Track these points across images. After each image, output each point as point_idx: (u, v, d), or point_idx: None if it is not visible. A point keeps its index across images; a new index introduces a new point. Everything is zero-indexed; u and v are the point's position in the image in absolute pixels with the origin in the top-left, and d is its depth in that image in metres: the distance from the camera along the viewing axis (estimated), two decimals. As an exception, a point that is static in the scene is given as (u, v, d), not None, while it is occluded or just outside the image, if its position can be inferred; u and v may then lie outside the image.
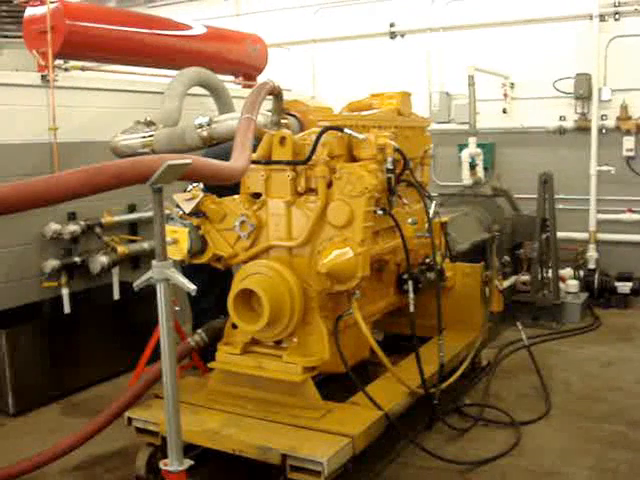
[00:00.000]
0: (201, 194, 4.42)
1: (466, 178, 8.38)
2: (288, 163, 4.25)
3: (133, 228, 6.82)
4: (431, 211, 4.84)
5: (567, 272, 7.97)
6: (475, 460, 4.42)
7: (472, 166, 8.39)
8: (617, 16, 8.18)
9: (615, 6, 8.17)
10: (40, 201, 2.51)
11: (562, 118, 8.58)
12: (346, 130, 4.27)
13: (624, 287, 7.96)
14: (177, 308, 5.08)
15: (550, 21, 8.50)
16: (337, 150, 4.27)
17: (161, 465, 3.01)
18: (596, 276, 8.11)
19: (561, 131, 8.58)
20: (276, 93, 4.62)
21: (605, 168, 8.25)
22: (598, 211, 8.47)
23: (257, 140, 4.25)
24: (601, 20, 8.23)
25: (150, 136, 5.80)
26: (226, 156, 3.59)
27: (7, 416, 5.36)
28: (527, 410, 5.14)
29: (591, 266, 8.39)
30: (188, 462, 3.00)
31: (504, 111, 8.83)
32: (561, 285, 7.61)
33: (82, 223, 6.19)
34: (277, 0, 10.15)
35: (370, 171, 4.17)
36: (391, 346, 5.13)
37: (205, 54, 7.69)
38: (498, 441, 4.69)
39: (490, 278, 5.66)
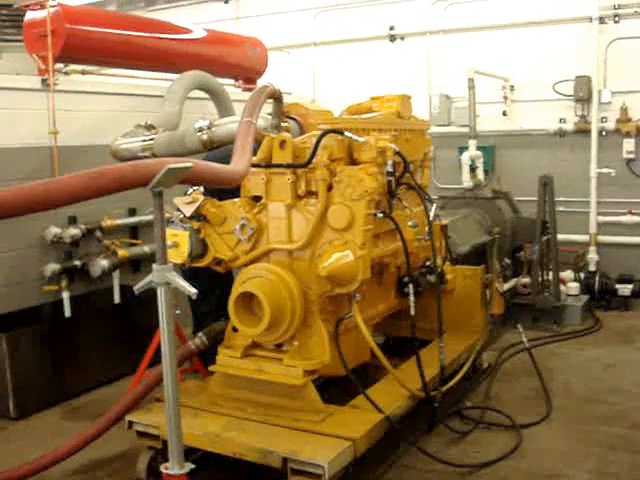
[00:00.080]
0: (201, 197, 4.42)
1: (466, 181, 8.37)
2: (288, 166, 4.25)
3: (134, 231, 6.82)
4: (431, 214, 4.84)
5: (568, 274, 7.97)
6: (476, 463, 4.42)
7: (472, 169, 8.39)
8: (617, 18, 8.19)
9: (615, 8, 8.18)
10: (40, 205, 2.51)
11: (562, 120, 8.59)
12: (346, 133, 4.28)
13: (625, 289, 7.96)
14: (178, 311, 5.07)
15: (550, 24, 8.52)
16: (337, 153, 4.27)
17: (162, 469, 3.01)
18: (597, 278, 8.11)
19: (561, 133, 8.58)
20: (276, 96, 4.63)
21: (605, 170, 8.25)
22: (598, 213, 8.47)
23: (257, 143, 4.25)
24: (601, 22, 8.24)
25: (150, 140, 5.80)
26: (226, 159, 3.60)
27: (8, 420, 5.36)
28: (528, 413, 5.14)
29: (591, 268, 8.39)
30: (189, 465, 3.01)
31: (504, 114, 8.84)
32: (562, 287, 7.60)
33: (82, 227, 6.19)
34: (277, 3, 10.16)
35: (370, 174, 4.17)
36: (392, 349, 5.13)
37: (205, 57, 7.70)
38: (499, 444, 4.69)
39: (491, 281, 5.66)
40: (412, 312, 4.47)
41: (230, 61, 8.26)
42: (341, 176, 4.14)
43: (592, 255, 8.45)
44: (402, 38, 9.51)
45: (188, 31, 7.72)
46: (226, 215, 4.42)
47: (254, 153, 4.13)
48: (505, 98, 8.78)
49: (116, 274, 6.37)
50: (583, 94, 8.28)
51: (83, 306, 6.26)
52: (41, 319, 6.05)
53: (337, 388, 4.46)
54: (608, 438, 4.74)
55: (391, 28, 9.50)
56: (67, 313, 6.09)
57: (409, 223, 4.86)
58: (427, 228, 4.78)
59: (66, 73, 6.73)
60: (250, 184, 4.40)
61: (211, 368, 4.46)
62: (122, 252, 6.35)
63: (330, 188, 4.17)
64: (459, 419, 5.06)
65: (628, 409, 5.21)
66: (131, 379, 5.61)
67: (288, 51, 9.93)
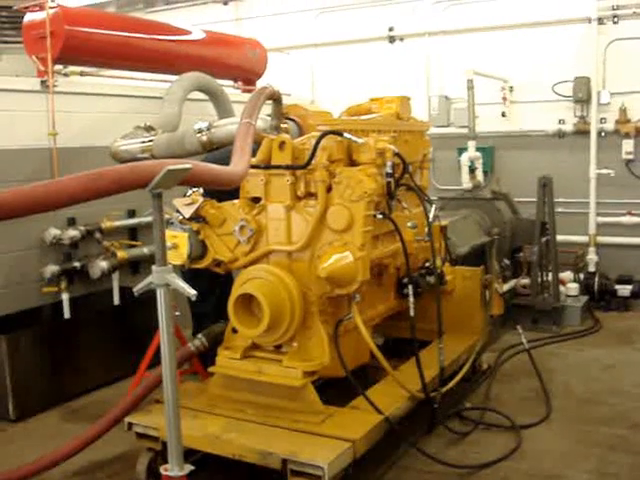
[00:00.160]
0: (201, 199, 4.42)
1: (465, 182, 8.39)
2: (287, 167, 4.25)
3: (133, 233, 6.82)
4: (431, 215, 4.85)
5: (567, 275, 7.98)
6: (476, 464, 4.41)
7: (471, 170, 8.40)
8: (616, 19, 8.20)
9: (613, 9, 8.19)
10: (40, 206, 2.51)
11: (561, 121, 8.59)
12: (345, 134, 4.28)
13: (624, 290, 7.96)
14: (177, 313, 5.06)
15: (549, 25, 8.52)
16: (336, 154, 4.27)
17: (161, 470, 3.01)
18: (596, 279, 8.11)
19: (560, 134, 8.59)
20: (275, 98, 4.63)
21: (604, 171, 8.25)
22: (598, 214, 8.48)
23: (257, 145, 4.25)
24: (600, 23, 8.25)
25: (149, 141, 5.80)
26: (226, 161, 3.60)
27: (7, 421, 5.35)
28: (528, 413, 5.14)
29: (591, 269, 8.40)
30: (188, 467, 3.00)
31: (503, 115, 8.84)
32: (561, 288, 7.60)
33: (82, 228, 6.20)
34: (276, 5, 10.17)
35: (369, 175, 4.17)
36: (391, 350, 5.13)
37: (204, 59, 7.70)
38: (499, 445, 4.69)
39: (490, 282, 5.66)
40: (411, 313, 4.47)
41: (229, 62, 8.27)
42: (340, 177, 4.14)
43: (591, 256, 8.46)
44: (401, 39, 9.51)
45: (187, 32, 7.72)
46: (225, 216, 4.42)
47: (253, 154, 4.13)
48: (504, 99, 8.78)
49: (115, 275, 6.38)
50: (582, 95, 8.28)
51: (82, 308, 6.26)
52: (40, 321, 6.05)
53: (337, 389, 4.45)
54: (608, 439, 4.74)
55: (390, 29, 9.51)
56: (66, 314, 6.09)
57: (408, 224, 4.86)
58: (426, 229, 4.78)
59: (65, 75, 6.74)
60: (249, 185, 4.40)
61: (211, 369, 4.46)
62: (121, 253, 6.35)
63: (329, 189, 4.17)
64: (459, 420, 5.06)
65: (628, 410, 5.21)
66: (131, 380, 5.61)
67: (287, 52, 9.94)
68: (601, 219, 8.47)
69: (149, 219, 6.27)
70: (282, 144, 4.27)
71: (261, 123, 4.61)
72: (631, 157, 8.23)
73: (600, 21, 8.24)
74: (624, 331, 7.25)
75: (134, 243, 6.69)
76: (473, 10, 8.95)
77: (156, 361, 4.20)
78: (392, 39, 9.55)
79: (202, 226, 4.44)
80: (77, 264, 6.19)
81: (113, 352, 6.08)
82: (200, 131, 5.40)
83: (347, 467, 3.76)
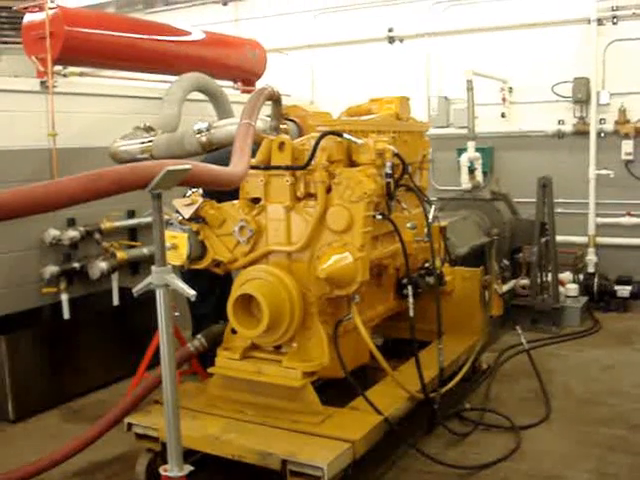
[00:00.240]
0: (200, 199, 4.42)
1: (465, 182, 8.39)
2: (287, 168, 4.25)
3: (132, 234, 6.82)
4: (430, 215, 4.85)
5: (566, 276, 7.97)
6: (475, 465, 4.41)
7: (471, 170, 8.40)
8: (615, 20, 8.20)
9: (613, 10, 8.19)
10: (40, 207, 2.51)
11: (561, 122, 8.60)
12: (345, 135, 4.28)
13: (623, 291, 7.96)
14: (176, 313, 5.06)
15: (548, 25, 8.53)
16: (336, 155, 4.28)
17: (161, 471, 3.01)
18: (595, 280, 8.11)
19: (560, 135, 8.59)
20: (275, 98, 4.63)
21: (604, 172, 8.25)
22: (597, 215, 8.48)
23: (256, 145, 4.25)
24: (599, 24, 8.25)
25: (149, 142, 5.80)
26: (225, 161, 3.60)
27: (7, 422, 5.35)
28: (527, 414, 5.14)
29: (590, 270, 8.41)
30: (188, 468, 3.00)
31: (503, 115, 8.84)
32: (560, 289, 7.60)
33: (81, 229, 6.19)
34: (276, 5, 10.17)
35: (369, 176, 4.18)
36: (391, 350, 5.13)
37: (204, 59, 7.70)
38: (498, 445, 4.69)
39: (489, 282, 5.66)
40: (411, 313, 4.47)
41: (229, 63, 8.27)
42: (340, 178, 4.14)
43: (591, 256, 8.47)
44: (401, 40, 9.51)
45: (187, 33, 7.72)
46: (225, 217, 4.42)
47: (253, 155, 4.13)
48: (504, 100, 8.78)
49: (115, 276, 6.37)
50: (582, 96, 8.29)
51: (82, 308, 6.26)
52: (40, 321, 6.05)
53: (336, 390, 4.45)
54: (607, 439, 4.75)
55: (390, 30, 9.51)
56: (66, 315, 6.08)
57: (408, 225, 4.87)
58: (426, 230, 4.78)
59: (65, 75, 6.74)
60: (249, 186, 4.40)
61: (210, 370, 4.45)
62: (121, 254, 6.35)
63: (329, 190, 4.17)
64: (458, 421, 5.06)
65: (627, 410, 5.21)
66: (130, 381, 5.60)
67: (287, 53, 9.94)
68: (600, 220, 8.48)
69: (149, 220, 6.23)
70: (282, 145, 4.27)
71: (261, 124, 4.61)
72: (630, 158, 8.23)
73: (599, 22, 8.25)
74: (623, 332, 7.25)
75: (134, 244, 6.69)
76: (472, 11, 8.95)
77: (155, 362, 4.20)
78: (391, 40, 9.55)
79: (202, 227, 4.44)
80: (77, 265, 6.19)
81: (113, 353, 6.08)
82: (200, 132, 5.41)
83: (346, 468, 3.76)
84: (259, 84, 8.41)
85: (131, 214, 6.80)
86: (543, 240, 7.42)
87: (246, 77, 8.68)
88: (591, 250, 8.48)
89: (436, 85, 9.26)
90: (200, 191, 4.47)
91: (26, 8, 6.36)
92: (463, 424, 5.01)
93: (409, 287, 4.56)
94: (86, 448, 4.20)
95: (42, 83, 6.09)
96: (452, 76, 8.90)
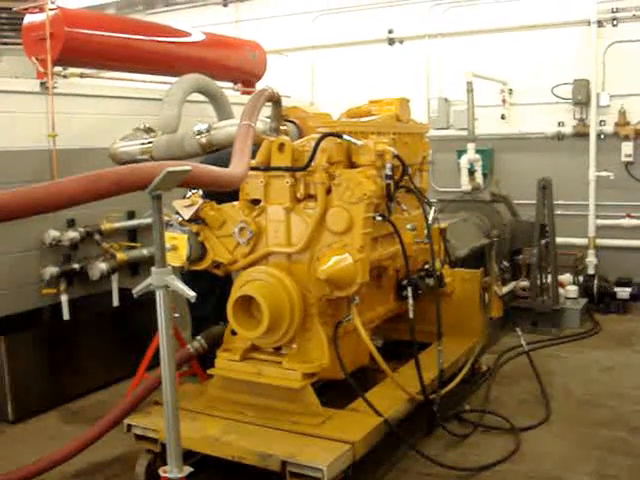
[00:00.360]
0: (200, 200, 4.42)
1: (465, 184, 8.40)
2: (287, 169, 4.25)
3: (132, 235, 6.81)
4: (430, 217, 4.84)
5: (566, 278, 7.98)
6: (475, 466, 4.41)
7: (471, 172, 8.41)
8: (615, 22, 8.21)
9: (613, 12, 8.20)
10: (40, 208, 2.51)
11: (560, 124, 8.60)
12: (345, 136, 4.28)
13: (623, 292, 7.97)
14: (176, 315, 5.07)
15: (548, 27, 8.54)
16: (336, 156, 4.28)
17: (160, 472, 3.00)
18: (595, 281, 8.11)
19: (560, 137, 8.60)
20: (275, 100, 4.63)
21: (604, 173, 8.26)
22: (597, 216, 8.49)
23: (256, 146, 4.25)
24: (599, 26, 8.27)
25: (149, 143, 5.80)
26: (225, 163, 3.60)
27: (6, 423, 5.35)
28: (527, 416, 5.14)
29: (590, 271, 8.41)
30: (188, 469, 3.00)
31: (503, 117, 8.85)
32: (560, 291, 7.61)
33: (81, 230, 6.19)
34: (276, 7, 10.18)
35: (369, 177, 4.18)
36: (391, 352, 5.13)
37: (204, 61, 7.70)
38: (498, 447, 4.69)
39: (489, 284, 5.66)
40: (411, 315, 4.47)
41: (229, 64, 8.27)
42: (340, 179, 4.14)
43: (591, 258, 8.47)
44: (401, 41, 9.52)
45: (187, 34, 7.73)
46: (225, 218, 4.42)
47: (253, 156, 4.13)
48: (504, 101, 8.79)
49: (115, 277, 6.37)
50: (581, 97, 8.29)
51: (82, 309, 6.25)
52: (40, 322, 6.04)
53: (336, 391, 4.45)
54: (607, 441, 4.74)
55: (390, 31, 9.52)
56: (66, 316, 6.08)
57: (408, 226, 4.87)
58: (426, 231, 4.78)
59: (65, 76, 6.73)
60: (249, 187, 4.40)
61: (210, 371, 4.45)
62: (121, 255, 6.34)
63: (329, 191, 4.17)
64: (458, 422, 5.05)
65: (627, 412, 5.21)
66: (130, 382, 5.60)
67: (287, 54, 9.94)
68: (600, 221, 8.48)
69: (148, 221, 6.24)
70: (282, 146, 4.27)
71: (261, 125, 4.61)
72: (630, 159, 8.24)
73: (599, 24, 8.26)
74: (623, 333, 7.26)
75: (133, 245, 6.68)
76: (472, 12, 8.96)
77: (155, 363, 4.20)
78: (391, 41, 9.56)
79: (201, 228, 4.44)
80: (76, 266, 6.18)
81: (112, 354, 6.08)
82: (200, 133, 5.41)
83: (346, 469, 3.76)
84: (259, 85, 8.41)
85: (131, 215, 6.80)
86: (543, 242, 7.42)
87: (246, 78, 8.68)
88: (591, 252, 8.48)
89: (436, 87, 9.27)
90: (200, 192, 4.47)
91: (26, 9, 6.36)
92: (463, 426, 5.01)
93: (409, 289, 4.56)
94: (86, 449, 4.20)
95: (42, 84, 6.09)
96: (452, 78, 8.91)
